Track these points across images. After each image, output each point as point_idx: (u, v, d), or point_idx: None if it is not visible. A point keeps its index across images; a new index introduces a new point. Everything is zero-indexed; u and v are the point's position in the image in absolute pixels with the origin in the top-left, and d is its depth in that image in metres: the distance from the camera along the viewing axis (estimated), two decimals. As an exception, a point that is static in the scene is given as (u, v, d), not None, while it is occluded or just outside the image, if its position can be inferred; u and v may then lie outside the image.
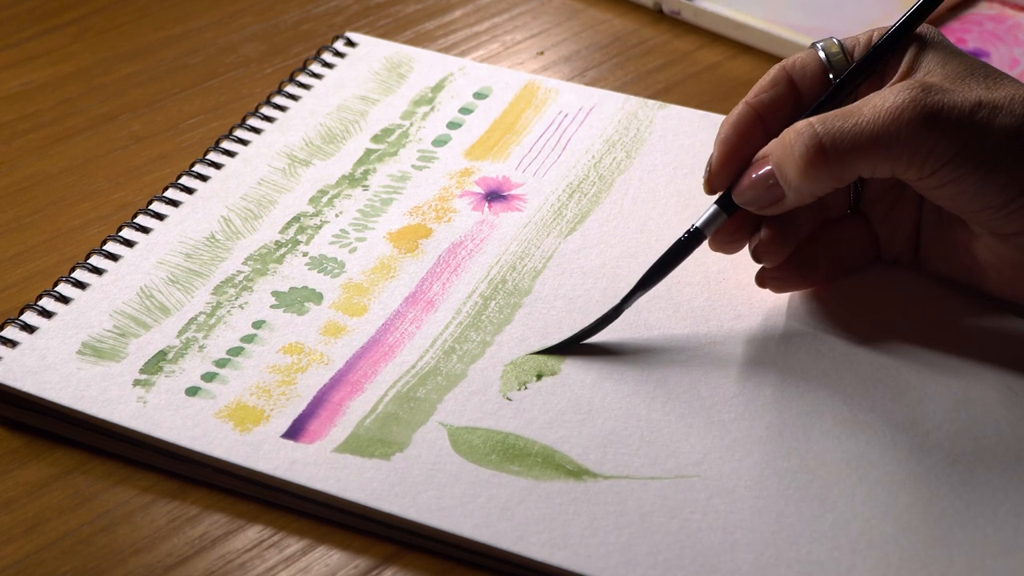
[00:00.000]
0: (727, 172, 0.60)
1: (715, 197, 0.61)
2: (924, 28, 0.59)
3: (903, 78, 0.58)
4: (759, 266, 0.63)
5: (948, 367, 0.59)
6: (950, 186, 0.57)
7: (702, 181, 0.61)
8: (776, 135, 0.59)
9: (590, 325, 0.61)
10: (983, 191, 0.56)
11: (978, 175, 0.56)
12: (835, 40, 0.61)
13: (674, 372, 0.59)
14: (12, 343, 0.60)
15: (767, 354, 0.60)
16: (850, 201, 0.63)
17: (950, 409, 0.58)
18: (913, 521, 0.54)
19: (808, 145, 0.56)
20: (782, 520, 0.54)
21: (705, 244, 0.61)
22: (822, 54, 0.60)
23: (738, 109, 0.61)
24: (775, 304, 0.63)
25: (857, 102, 0.57)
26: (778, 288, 0.62)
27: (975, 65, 0.58)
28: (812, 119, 0.57)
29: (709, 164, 0.61)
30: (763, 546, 0.53)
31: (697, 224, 0.60)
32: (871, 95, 0.57)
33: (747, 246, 0.61)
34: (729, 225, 0.60)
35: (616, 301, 0.61)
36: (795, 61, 0.61)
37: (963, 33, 0.81)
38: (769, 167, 0.58)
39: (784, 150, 0.57)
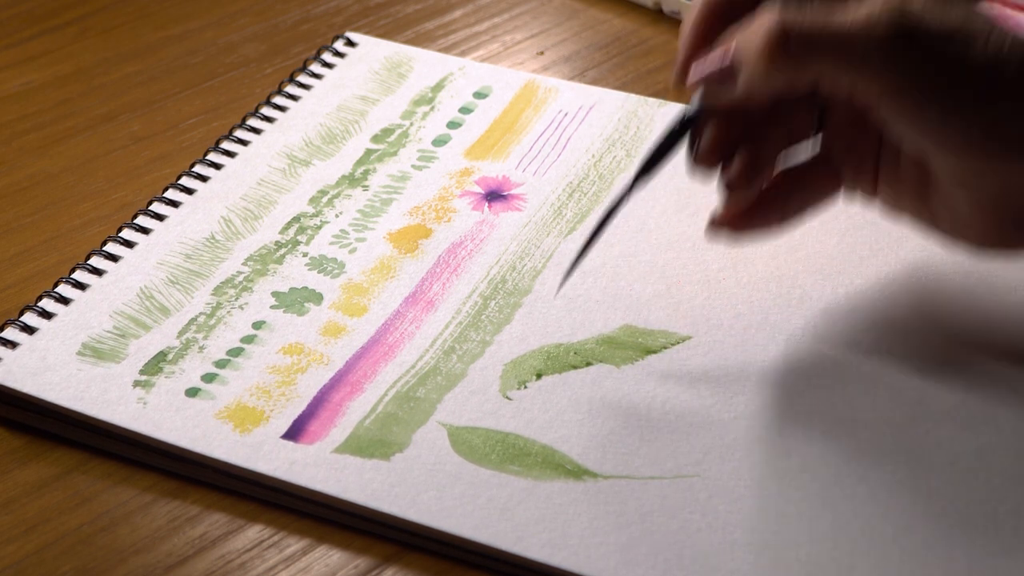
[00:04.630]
0: (696, 58, 0.58)
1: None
2: None
3: None
4: (758, 265, 0.63)
5: (948, 366, 0.59)
6: (910, 115, 0.55)
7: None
8: None
9: (588, 236, 0.60)
10: (945, 125, 0.54)
11: (940, 107, 0.54)
12: None
13: (674, 372, 0.60)
14: (12, 344, 0.60)
15: (767, 353, 0.60)
16: (813, 127, 0.60)
17: (950, 408, 0.58)
18: (913, 521, 0.54)
19: (773, 30, 0.54)
20: (782, 520, 0.54)
21: (709, 247, 0.61)
22: None
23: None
24: (775, 303, 0.63)
25: (835, 3, 0.55)
26: (734, 238, 0.60)
27: None
28: (784, 6, 0.55)
29: (679, 55, 0.58)
30: (763, 546, 0.53)
31: (689, 112, 0.58)
32: (851, 2, 0.55)
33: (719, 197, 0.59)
34: (711, 136, 0.58)
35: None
36: None
37: (963, 32, 0.81)
38: (729, 51, 0.56)
39: (747, 37, 0.55)
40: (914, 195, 0.59)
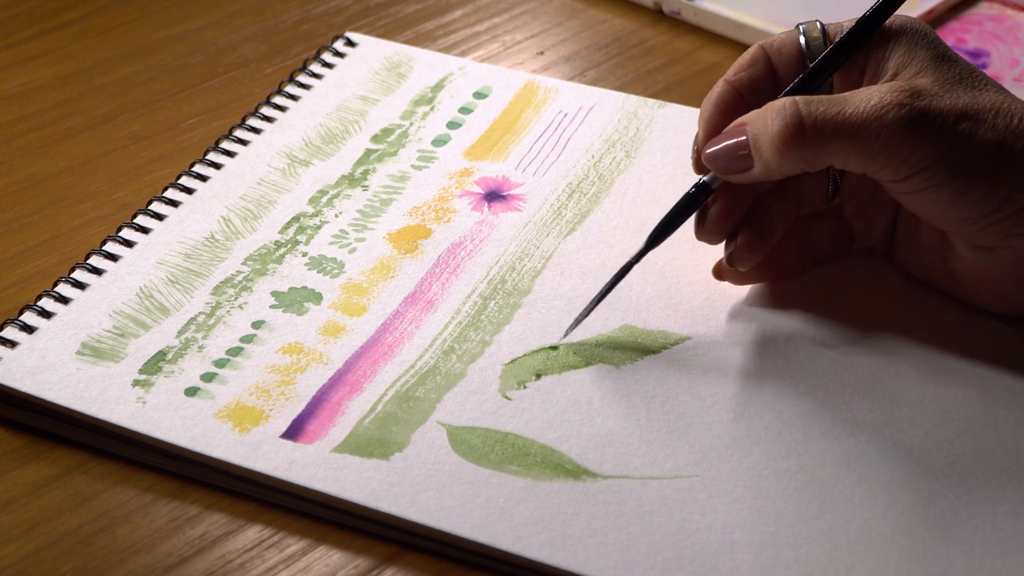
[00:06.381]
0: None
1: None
2: (917, 24, 0.59)
3: (894, 76, 0.58)
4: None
5: (947, 367, 0.59)
6: (924, 193, 0.57)
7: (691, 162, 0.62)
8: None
9: (601, 290, 0.61)
10: (958, 202, 0.56)
11: (954, 186, 0.56)
12: (818, 24, 0.61)
13: (673, 372, 0.60)
14: (12, 343, 0.60)
15: (766, 354, 0.60)
16: (827, 194, 0.63)
17: (949, 409, 0.58)
18: (912, 522, 0.54)
19: (788, 123, 0.57)
20: (781, 520, 0.54)
21: (709, 248, 0.62)
22: (802, 38, 0.61)
23: (718, 88, 0.61)
24: (775, 304, 0.63)
25: (846, 93, 0.57)
26: (738, 281, 0.63)
27: (965, 71, 0.58)
28: (797, 98, 0.57)
29: (695, 143, 0.61)
30: (762, 546, 0.53)
31: (705, 178, 0.60)
32: (861, 89, 0.57)
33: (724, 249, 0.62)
34: (718, 211, 0.60)
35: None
36: (774, 41, 0.61)
37: (963, 33, 0.81)
38: (744, 137, 0.58)
39: (763, 123, 0.57)
40: (933, 258, 0.61)
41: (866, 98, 0.56)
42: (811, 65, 0.60)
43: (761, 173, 0.58)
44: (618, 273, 0.61)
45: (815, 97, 0.57)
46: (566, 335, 0.61)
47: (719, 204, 0.60)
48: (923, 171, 0.56)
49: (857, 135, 0.56)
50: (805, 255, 0.63)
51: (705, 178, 0.60)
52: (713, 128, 0.60)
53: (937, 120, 0.56)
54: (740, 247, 0.61)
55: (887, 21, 0.59)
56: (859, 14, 0.61)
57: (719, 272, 0.63)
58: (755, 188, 0.61)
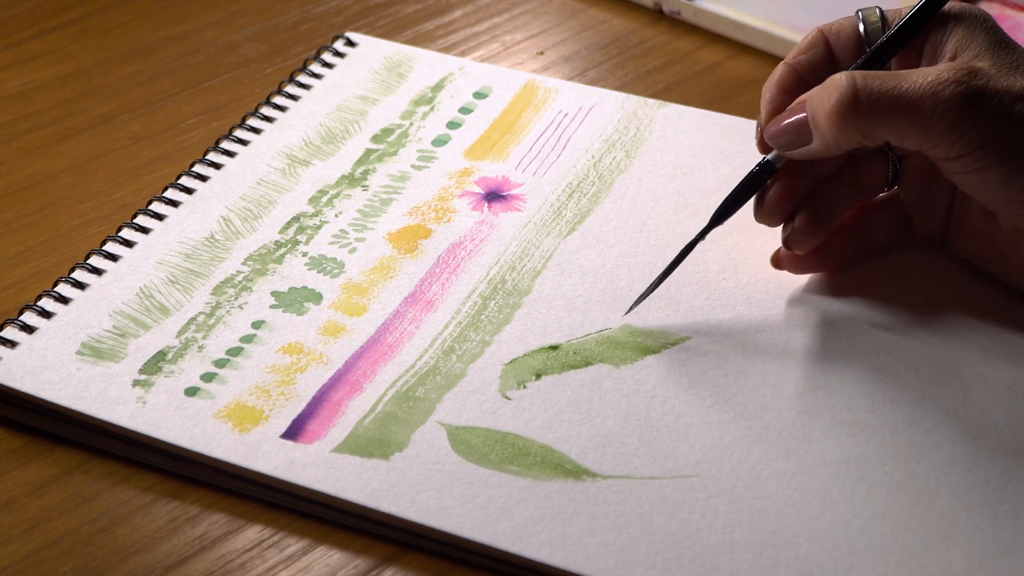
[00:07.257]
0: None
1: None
2: (976, 10, 0.60)
3: (952, 59, 0.59)
4: (757, 265, 0.64)
5: (947, 367, 0.59)
6: (977, 174, 0.57)
7: (755, 141, 0.62)
8: None
9: (665, 268, 0.61)
10: (1010, 184, 0.57)
11: (1007, 167, 0.56)
12: (877, 9, 0.61)
13: (673, 371, 0.60)
14: (12, 343, 0.60)
15: (766, 354, 0.60)
16: (887, 180, 0.63)
17: (949, 409, 0.58)
18: (912, 522, 0.54)
19: (844, 95, 0.57)
20: (781, 520, 0.54)
21: (709, 247, 0.62)
22: (861, 24, 0.61)
23: (779, 70, 0.62)
24: (775, 305, 0.63)
25: (904, 70, 0.58)
26: (796, 270, 0.63)
27: (1022, 58, 0.58)
28: (855, 72, 0.58)
29: (759, 124, 0.62)
30: (762, 546, 0.53)
31: (769, 157, 0.61)
32: (919, 68, 0.58)
33: (781, 232, 0.62)
34: (777, 192, 0.61)
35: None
36: (832, 25, 0.62)
37: (963, 33, 0.81)
38: (804, 114, 0.59)
39: (821, 96, 0.58)
40: (984, 243, 0.62)
41: (924, 74, 0.57)
42: (870, 49, 0.60)
43: (820, 148, 0.59)
44: (682, 251, 0.61)
45: (873, 72, 0.57)
46: (627, 313, 0.61)
47: (778, 186, 0.61)
48: (976, 151, 0.56)
49: (913, 110, 0.56)
50: (864, 245, 0.64)
51: (769, 157, 0.61)
52: (775, 108, 0.61)
53: (994, 99, 0.56)
54: (797, 229, 0.61)
55: (946, 6, 0.59)
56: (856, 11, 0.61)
57: (777, 261, 0.63)
58: (814, 171, 0.61)
